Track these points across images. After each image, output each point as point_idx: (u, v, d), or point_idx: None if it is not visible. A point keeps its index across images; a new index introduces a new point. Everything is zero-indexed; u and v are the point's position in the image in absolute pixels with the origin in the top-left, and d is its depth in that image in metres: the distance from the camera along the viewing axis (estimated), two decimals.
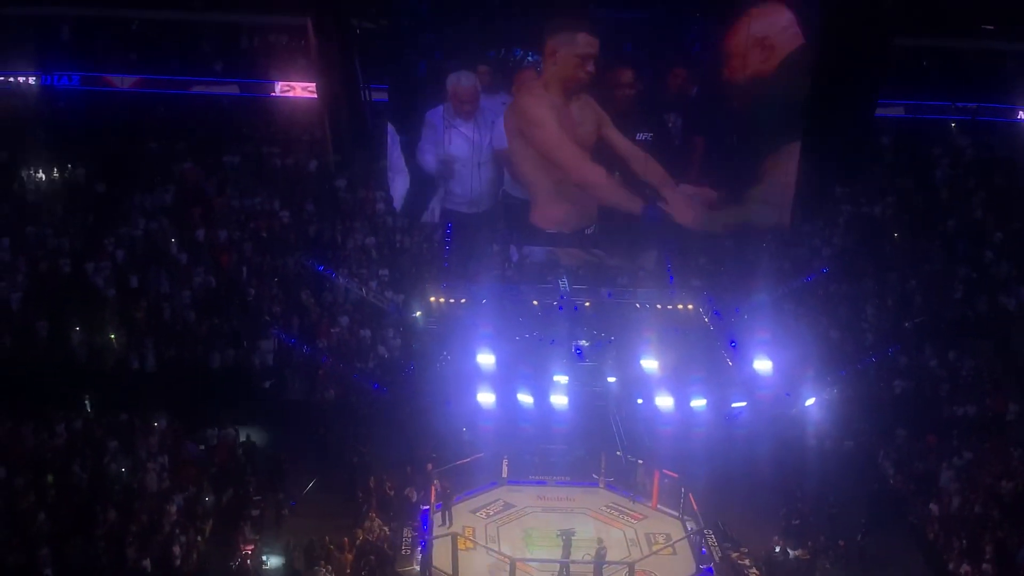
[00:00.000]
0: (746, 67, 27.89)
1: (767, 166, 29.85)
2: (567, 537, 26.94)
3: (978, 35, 41.14)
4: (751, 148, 29.57)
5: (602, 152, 29.83)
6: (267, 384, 33.69)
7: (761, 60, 27.76)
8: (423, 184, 29.92)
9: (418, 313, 30.84)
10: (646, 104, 29.24)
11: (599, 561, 26.06)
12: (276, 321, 34.86)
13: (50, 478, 27.52)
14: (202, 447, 30.42)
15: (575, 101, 29.04)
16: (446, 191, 30.28)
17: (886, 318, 36.38)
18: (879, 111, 34.54)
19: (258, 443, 31.39)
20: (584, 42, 28.25)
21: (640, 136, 29.55)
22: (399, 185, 30.23)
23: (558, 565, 26.56)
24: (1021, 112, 41.12)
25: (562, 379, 28.54)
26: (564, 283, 31.91)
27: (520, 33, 28.68)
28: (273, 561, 26.42)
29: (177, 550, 25.59)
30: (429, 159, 29.87)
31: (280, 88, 40.41)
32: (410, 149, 29.43)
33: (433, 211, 30.31)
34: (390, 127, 29.38)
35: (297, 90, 39.89)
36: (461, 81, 28.74)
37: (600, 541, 26.74)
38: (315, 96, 34.79)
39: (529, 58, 28.72)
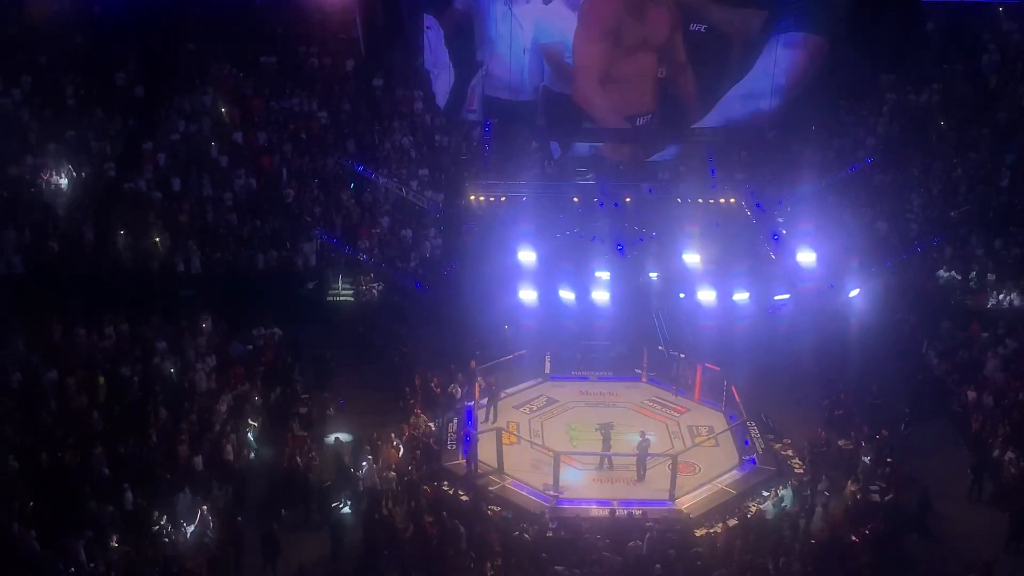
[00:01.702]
0: None
1: None
2: (606, 431, 27.21)
3: None
4: None
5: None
6: (310, 285, 33.89)
7: None
8: (466, 76, 29.38)
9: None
10: None
11: (642, 453, 26.33)
12: (317, 222, 34.96)
13: (101, 379, 28.03)
14: (249, 347, 30.79)
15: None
16: (486, 73, 29.68)
17: (932, 207, 35.92)
18: None
19: (303, 342, 31.74)
20: None
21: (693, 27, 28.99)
22: (443, 81, 29.76)
23: (600, 458, 26.87)
24: None
25: (604, 275, 28.50)
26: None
27: None
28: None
29: (228, 447, 26.11)
30: (473, 45, 29.20)
31: None
32: (454, 39, 28.72)
33: (472, 97, 29.63)
34: (431, 22, 28.73)
35: None
36: None
37: (643, 434, 26.97)
38: None
39: None
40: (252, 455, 27.10)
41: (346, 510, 25.22)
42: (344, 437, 27.41)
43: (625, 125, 31.16)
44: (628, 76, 29.95)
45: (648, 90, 30.28)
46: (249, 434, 27.37)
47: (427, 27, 28.40)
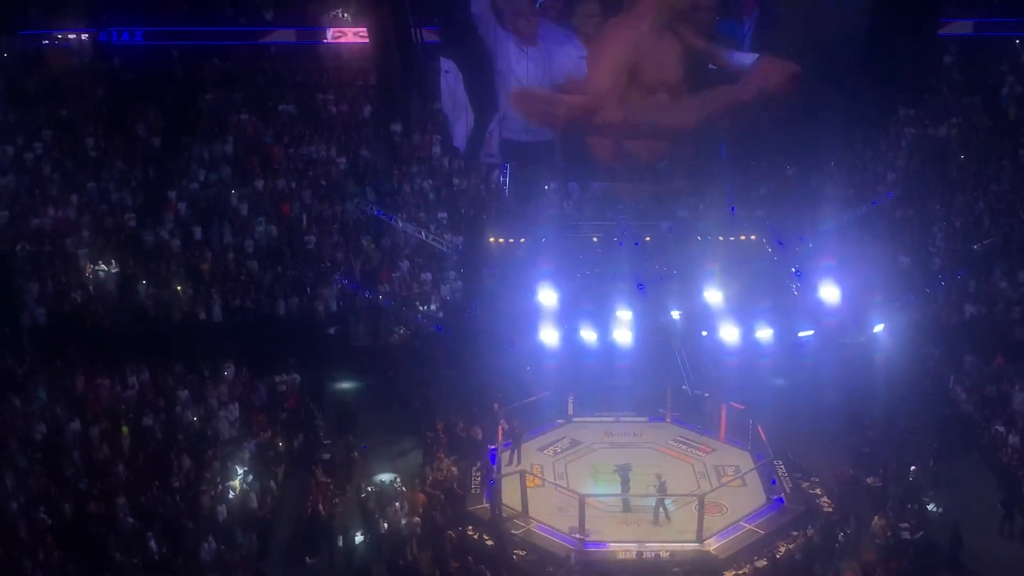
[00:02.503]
0: None
1: None
2: (624, 472, 26.90)
3: None
4: None
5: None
6: (331, 330, 33.94)
7: None
8: (485, 119, 29.31)
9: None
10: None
11: (660, 495, 26.05)
12: (338, 267, 35.05)
13: (125, 429, 28.05)
14: (278, 390, 30.83)
15: (663, 35, 28.05)
16: (504, 116, 29.61)
17: (954, 241, 35.72)
18: (944, 30, 33.61)
19: (325, 388, 31.69)
20: None
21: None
22: (461, 124, 29.69)
23: (622, 500, 26.63)
24: None
25: (625, 314, 28.37)
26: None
27: None
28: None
29: (252, 495, 26.02)
30: (491, 88, 29.07)
31: (332, 34, 40.41)
32: (473, 81, 28.66)
33: (491, 141, 29.50)
34: (450, 65, 28.73)
35: (349, 35, 39.89)
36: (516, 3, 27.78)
37: (659, 477, 26.68)
38: (366, 40, 34.63)
39: None
40: (275, 503, 27.00)
41: (371, 556, 25.04)
42: (387, 477, 27.26)
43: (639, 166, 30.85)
44: (643, 117, 29.57)
45: (665, 133, 29.89)
46: (272, 481, 27.29)
47: (445, 71, 28.43)
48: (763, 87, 28.14)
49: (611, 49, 28.08)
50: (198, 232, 35.79)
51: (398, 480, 27.09)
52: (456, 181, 37.91)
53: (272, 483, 27.24)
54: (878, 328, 30.63)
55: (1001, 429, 28.84)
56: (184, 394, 29.80)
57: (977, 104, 39.99)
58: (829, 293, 29.06)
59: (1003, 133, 39.03)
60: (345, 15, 40.57)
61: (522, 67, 27.97)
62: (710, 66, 28.82)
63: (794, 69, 27.82)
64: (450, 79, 28.32)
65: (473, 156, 30.26)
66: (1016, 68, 40.67)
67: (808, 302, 29.08)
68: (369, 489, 26.97)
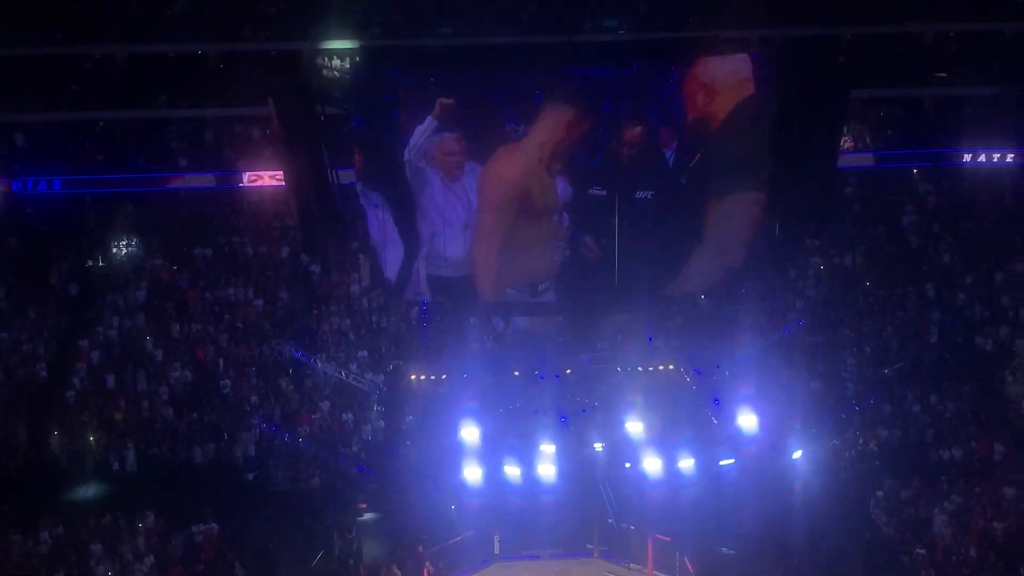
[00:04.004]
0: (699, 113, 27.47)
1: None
2: None
3: (932, 83, 42.18)
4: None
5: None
6: (250, 476, 33.33)
7: (711, 106, 27.36)
8: (412, 253, 29.34)
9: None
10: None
11: None
12: (256, 411, 34.62)
13: None
14: (195, 541, 30.07)
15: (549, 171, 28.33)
16: (430, 251, 29.66)
17: (866, 366, 36.48)
18: (846, 162, 34.82)
19: (245, 536, 30.97)
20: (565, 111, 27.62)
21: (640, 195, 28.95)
22: (391, 256, 29.55)
23: None
24: (982, 155, 41.75)
25: (549, 448, 28.37)
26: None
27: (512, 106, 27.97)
28: None
29: None
30: (416, 223, 29.17)
31: (248, 178, 40.63)
32: (400, 216, 28.74)
33: (418, 279, 29.39)
34: (376, 198, 28.76)
35: (265, 179, 40.11)
36: (444, 141, 28.10)
37: None
38: (283, 184, 34.83)
39: (511, 126, 28.00)
40: None
41: None
42: None
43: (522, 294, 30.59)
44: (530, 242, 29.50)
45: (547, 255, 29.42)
46: None
47: (375, 205, 28.59)
48: None
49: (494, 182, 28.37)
50: (111, 380, 35.20)
51: None
52: (375, 319, 37.94)
53: None
54: (797, 454, 30.95)
55: (922, 552, 29.09)
56: (98, 548, 28.91)
57: (880, 233, 41.33)
58: (747, 421, 29.38)
59: (906, 261, 40.32)
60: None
61: (446, 201, 28.25)
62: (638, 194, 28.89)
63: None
64: (379, 212, 28.45)
65: (402, 290, 30.06)
66: (914, 198, 42.28)
67: (727, 430, 29.34)
68: None
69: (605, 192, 27.69)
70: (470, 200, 28.13)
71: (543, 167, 27.47)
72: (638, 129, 26.99)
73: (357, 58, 29.62)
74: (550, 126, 26.89)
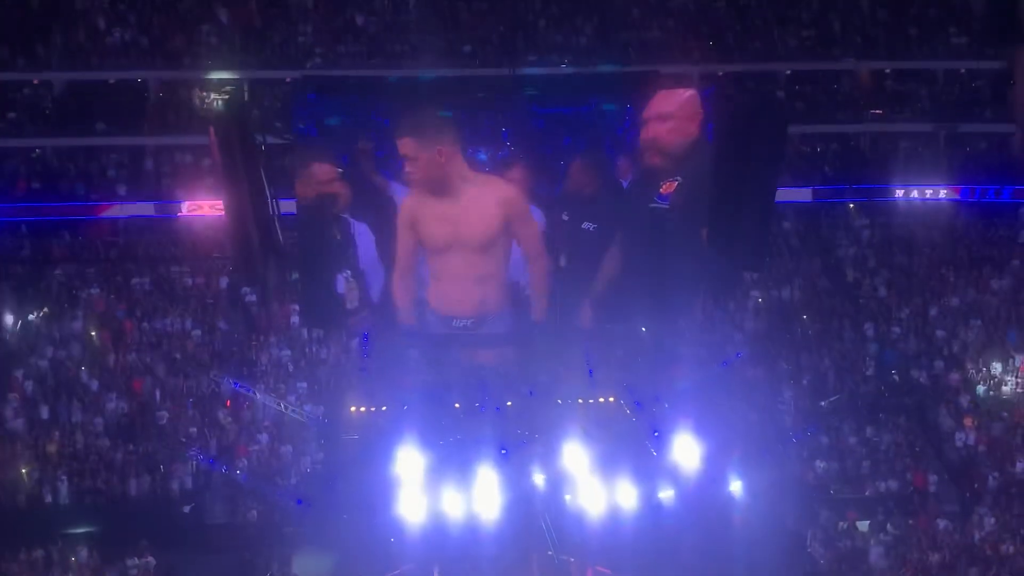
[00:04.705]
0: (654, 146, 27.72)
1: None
2: None
3: (867, 120, 43.05)
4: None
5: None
6: (187, 508, 32.89)
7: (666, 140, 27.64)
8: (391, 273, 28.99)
9: None
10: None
11: None
12: (193, 443, 34.20)
13: None
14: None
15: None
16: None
17: (803, 399, 36.84)
18: (784, 196, 35.30)
19: (181, 570, 30.51)
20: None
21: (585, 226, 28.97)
22: (376, 279, 29.16)
23: None
24: (915, 191, 42.65)
25: (489, 480, 28.26)
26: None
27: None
28: None
29: None
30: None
31: (187, 207, 40.33)
32: (383, 241, 28.42)
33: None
34: (363, 227, 28.48)
35: (204, 208, 39.82)
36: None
37: None
38: (222, 213, 34.55)
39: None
40: None
41: None
42: None
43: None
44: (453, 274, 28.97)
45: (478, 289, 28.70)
46: None
47: (359, 232, 28.47)
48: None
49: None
50: (45, 411, 34.62)
51: None
52: (315, 350, 37.69)
53: None
54: (735, 486, 31.12)
55: None
56: None
57: (817, 267, 41.90)
58: (687, 453, 29.50)
59: (842, 294, 40.89)
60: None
61: None
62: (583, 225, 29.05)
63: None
64: (363, 239, 28.30)
65: (388, 313, 29.58)
66: (850, 233, 42.94)
67: (667, 462, 29.44)
68: None
69: (568, 219, 27.91)
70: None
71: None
72: (592, 162, 27.31)
73: (299, 88, 29.59)
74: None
